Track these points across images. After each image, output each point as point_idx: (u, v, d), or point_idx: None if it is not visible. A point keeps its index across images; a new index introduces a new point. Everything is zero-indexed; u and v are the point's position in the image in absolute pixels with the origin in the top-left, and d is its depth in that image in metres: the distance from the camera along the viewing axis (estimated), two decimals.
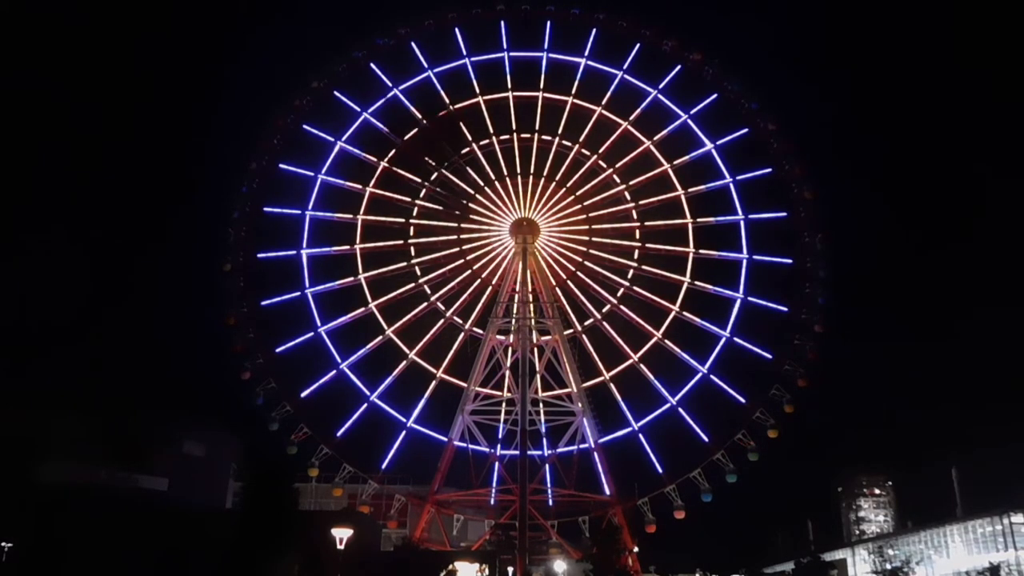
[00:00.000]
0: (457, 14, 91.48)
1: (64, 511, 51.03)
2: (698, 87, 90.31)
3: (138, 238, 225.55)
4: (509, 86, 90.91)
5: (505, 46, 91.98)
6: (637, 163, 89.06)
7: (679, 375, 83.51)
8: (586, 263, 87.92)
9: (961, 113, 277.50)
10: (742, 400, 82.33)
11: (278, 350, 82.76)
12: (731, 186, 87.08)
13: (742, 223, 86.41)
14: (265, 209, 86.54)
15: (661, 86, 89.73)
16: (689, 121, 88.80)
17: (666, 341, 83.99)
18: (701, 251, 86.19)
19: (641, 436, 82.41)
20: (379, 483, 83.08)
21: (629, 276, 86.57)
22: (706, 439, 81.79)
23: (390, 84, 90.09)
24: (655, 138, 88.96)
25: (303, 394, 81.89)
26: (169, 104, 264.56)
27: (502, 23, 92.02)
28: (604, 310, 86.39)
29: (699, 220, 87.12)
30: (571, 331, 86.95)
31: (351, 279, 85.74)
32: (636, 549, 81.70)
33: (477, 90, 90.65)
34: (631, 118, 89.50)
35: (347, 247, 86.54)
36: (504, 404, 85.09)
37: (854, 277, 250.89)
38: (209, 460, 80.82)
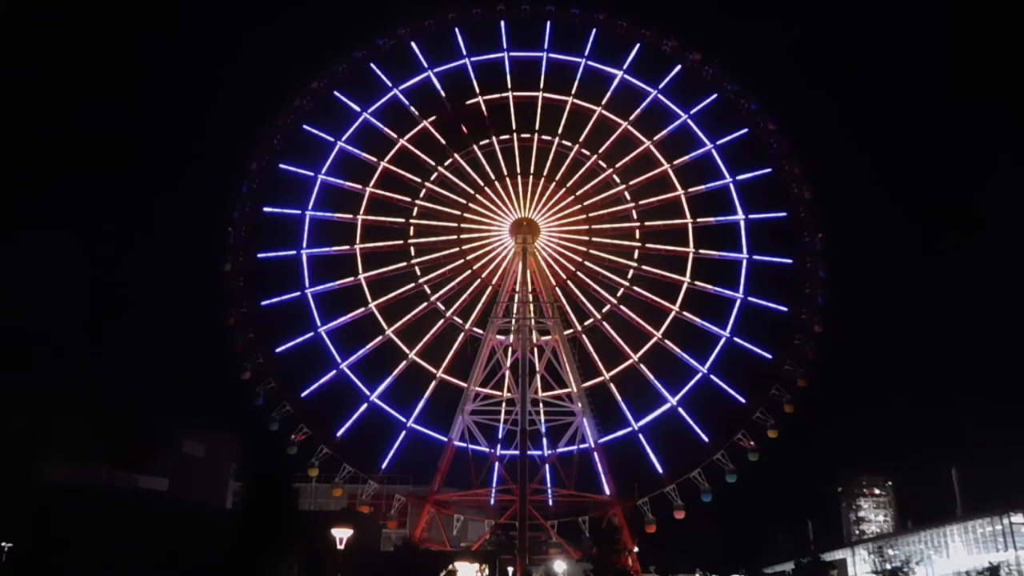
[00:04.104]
0: (457, 14, 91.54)
1: (64, 511, 50.94)
2: (698, 87, 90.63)
3: (138, 238, 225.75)
4: (509, 86, 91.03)
5: (505, 46, 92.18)
6: (637, 163, 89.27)
7: (679, 375, 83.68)
8: (586, 263, 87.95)
9: (961, 113, 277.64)
10: (742, 400, 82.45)
11: (278, 350, 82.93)
12: (731, 186, 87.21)
13: (742, 223, 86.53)
14: (265, 209, 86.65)
15: (661, 86, 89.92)
16: (689, 121, 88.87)
17: (666, 341, 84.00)
18: (701, 251, 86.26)
19: (641, 436, 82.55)
20: (379, 483, 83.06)
21: (629, 276, 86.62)
22: (706, 439, 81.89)
23: (390, 84, 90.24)
24: (655, 138, 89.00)
25: (303, 394, 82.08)
26: (169, 104, 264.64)
27: (502, 23, 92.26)
28: (604, 310, 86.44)
29: (699, 220, 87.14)
30: (571, 331, 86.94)
31: (351, 279, 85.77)
32: (636, 549, 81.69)
33: (477, 90, 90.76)
34: (631, 118, 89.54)
35: (347, 247, 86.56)
36: (504, 404, 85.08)
37: (854, 277, 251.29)
38: (209, 460, 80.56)
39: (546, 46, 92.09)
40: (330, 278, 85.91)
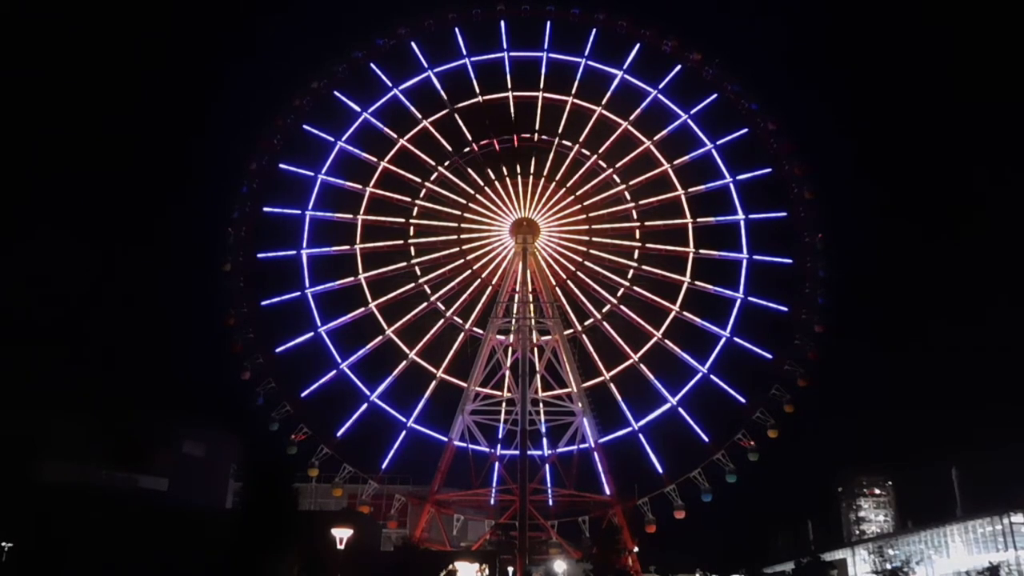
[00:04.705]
0: (457, 14, 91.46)
1: (64, 511, 50.98)
2: (698, 87, 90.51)
3: (138, 238, 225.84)
4: (509, 86, 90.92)
5: (505, 46, 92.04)
6: (637, 163, 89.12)
7: (679, 375, 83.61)
8: (586, 263, 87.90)
9: (961, 113, 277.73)
10: (742, 400, 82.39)
11: (278, 350, 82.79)
12: (731, 186, 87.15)
13: (742, 223, 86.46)
14: (265, 209, 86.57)
15: (661, 86, 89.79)
16: (689, 121, 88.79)
17: (666, 341, 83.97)
18: (701, 251, 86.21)
19: (641, 436, 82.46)
20: (379, 483, 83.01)
21: (629, 276, 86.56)
22: (706, 439, 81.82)
23: (390, 84, 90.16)
24: (655, 138, 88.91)
25: (303, 394, 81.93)
26: (169, 104, 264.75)
27: (502, 23, 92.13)
28: (604, 310, 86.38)
29: (699, 220, 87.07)
30: (571, 331, 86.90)
31: (351, 279, 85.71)
32: (636, 549, 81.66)
33: (477, 90, 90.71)
34: (631, 118, 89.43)
35: (347, 247, 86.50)
36: (504, 404, 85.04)
37: (854, 277, 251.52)
38: (209, 460, 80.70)
39: (546, 46, 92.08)
40: (330, 278, 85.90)
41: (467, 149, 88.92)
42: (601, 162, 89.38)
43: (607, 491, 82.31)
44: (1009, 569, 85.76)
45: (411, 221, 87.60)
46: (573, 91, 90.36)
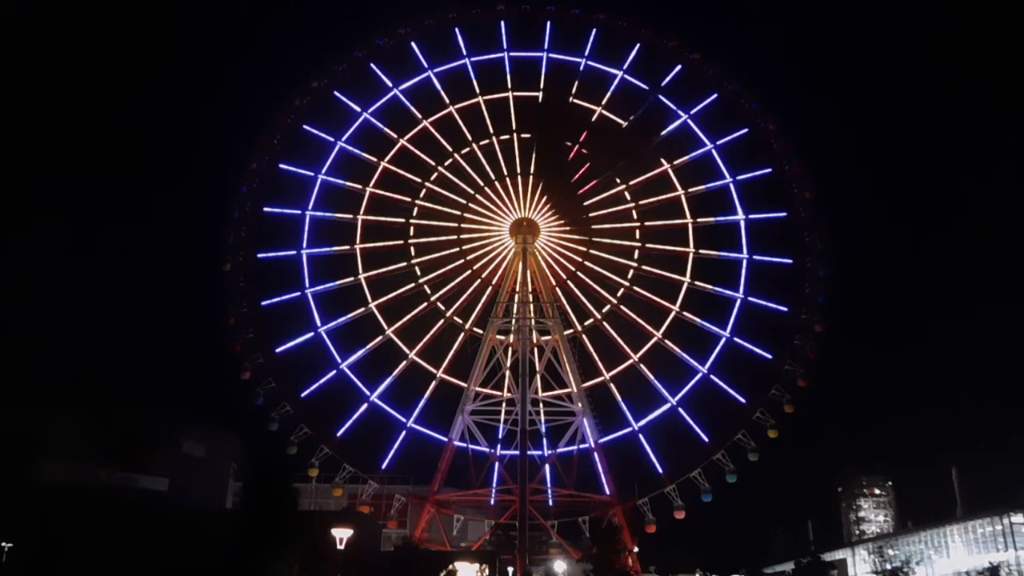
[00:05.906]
0: (457, 14, 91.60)
1: (64, 511, 51.00)
2: (698, 87, 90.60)
3: (138, 237, 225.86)
4: (509, 86, 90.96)
5: (505, 46, 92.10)
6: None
7: (679, 375, 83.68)
8: (586, 263, 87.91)
9: (960, 113, 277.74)
10: (742, 400, 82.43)
11: (278, 350, 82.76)
12: (731, 186, 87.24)
13: (742, 223, 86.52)
14: (265, 209, 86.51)
15: (661, 86, 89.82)
16: (689, 121, 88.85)
17: (666, 341, 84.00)
18: (701, 251, 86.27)
19: (641, 436, 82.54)
20: (379, 483, 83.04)
21: (629, 276, 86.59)
22: (706, 439, 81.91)
23: (390, 84, 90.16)
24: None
25: (303, 394, 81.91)
26: (169, 104, 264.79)
27: (502, 23, 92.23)
28: (604, 310, 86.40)
29: (699, 220, 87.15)
30: (571, 331, 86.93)
31: (351, 279, 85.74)
32: (636, 549, 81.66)
33: (477, 90, 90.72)
34: (631, 118, 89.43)
35: (347, 247, 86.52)
36: (504, 404, 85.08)
37: (854, 277, 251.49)
38: (209, 460, 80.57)
39: (546, 46, 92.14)
40: (330, 278, 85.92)
41: (467, 149, 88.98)
42: None
43: (607, 491, 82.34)
44: (1009, 569, 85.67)
45: (411, 221, 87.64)
46: (573, 91, 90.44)
